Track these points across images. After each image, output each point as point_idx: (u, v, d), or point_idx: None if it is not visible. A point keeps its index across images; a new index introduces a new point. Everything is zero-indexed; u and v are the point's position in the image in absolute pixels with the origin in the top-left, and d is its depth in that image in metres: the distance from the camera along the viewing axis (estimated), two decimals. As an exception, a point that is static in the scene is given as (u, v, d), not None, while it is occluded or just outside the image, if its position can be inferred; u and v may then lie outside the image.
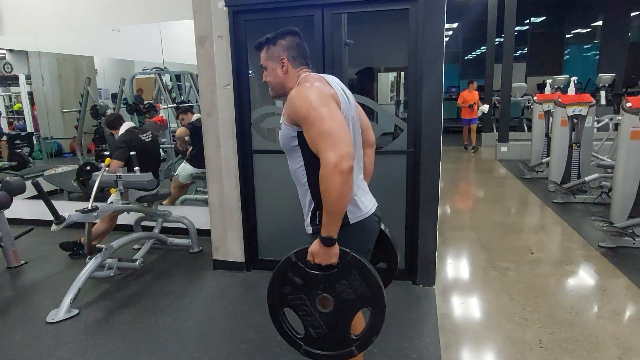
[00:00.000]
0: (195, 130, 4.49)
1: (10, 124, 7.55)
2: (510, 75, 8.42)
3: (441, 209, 5.03)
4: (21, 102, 7.09)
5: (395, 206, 3.20)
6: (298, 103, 1.51)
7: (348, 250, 1.53)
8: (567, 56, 15.48)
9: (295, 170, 1.69)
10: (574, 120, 5.75)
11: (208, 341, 2.60)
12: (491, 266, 3.60)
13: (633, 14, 13.62)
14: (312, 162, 1.60)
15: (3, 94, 7.27)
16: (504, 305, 2.97)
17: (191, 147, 4.71)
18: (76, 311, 2.94)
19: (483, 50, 14.25)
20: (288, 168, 3.40)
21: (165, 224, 4.00)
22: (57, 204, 3.03)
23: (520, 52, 15.16)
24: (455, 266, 3.70)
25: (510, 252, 3.91)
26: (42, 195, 2.92)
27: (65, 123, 5.93)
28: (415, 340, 2.56)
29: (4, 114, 7.15)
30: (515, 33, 8.53)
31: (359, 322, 1.71)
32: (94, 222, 3.18)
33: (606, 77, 10.28)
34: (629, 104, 4.17)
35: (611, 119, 6.75)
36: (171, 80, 5.56)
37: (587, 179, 5.37)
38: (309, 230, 1.70)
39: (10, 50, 6.66)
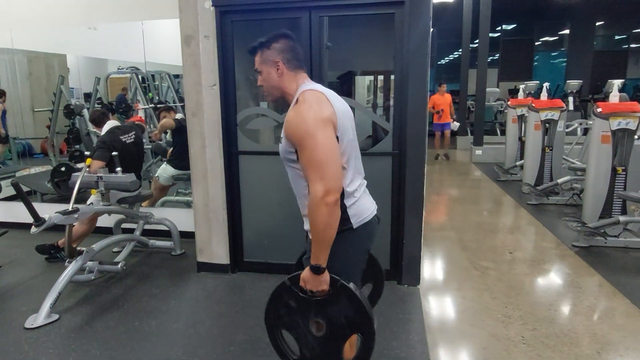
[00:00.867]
0: (179, 128, 4.42)
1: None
2: (484, 81, 8.65)
3: (421, 210, 5.11)
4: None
5: (381, 207, 3.18)
6: (294, 127, 1.52)
7: (337, 278, 1.56)
8: (536, 62, 16.01)
9: (295, 182, 1.70)
10: (547, 124, 5.96)
11: (196, 344, 2.57)
12: (472, 266, 3.69)
13: (598, 23, 14.24)
14: None
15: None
16: (487, 303, 3.05)
17: (172, 148, 4.63)
18: (56, 316, 2.85)
19: (456, 56, 14.62)
20: (274, 169, 3.41)
21: (146, 226, 3.92)
22: (35, 205, 2.93)
23: (492, 58, 15.58)
24: (438, 266, 3.77)
25: (489, 252, 4.01)
26: (21, 196, 2.82)
27: (36, 123, 5.73)
28: (402, 339, 2.60)
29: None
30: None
31: (349, 350, 1.73)
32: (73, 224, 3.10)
33: (574, 83, 10.68)
34: (599, 110, 4.35)
35: (580, 124, 7.03)
36: (147, 81, 5.45)
37: (559, 181, 5.57)
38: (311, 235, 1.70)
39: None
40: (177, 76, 5.60)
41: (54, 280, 2.96)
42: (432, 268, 3.70)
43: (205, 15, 3.14)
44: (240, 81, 3.40)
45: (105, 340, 2.61)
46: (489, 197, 6.34)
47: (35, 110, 5.65)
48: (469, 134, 10.52)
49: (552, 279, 3.47)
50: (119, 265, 3.21)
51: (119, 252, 3.79)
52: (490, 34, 9.75)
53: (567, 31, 14.63)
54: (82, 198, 3.58)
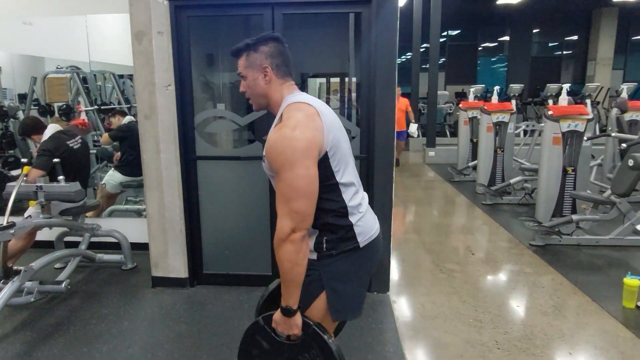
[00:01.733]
0: (124, 135, 4.10)
1: None
2: (436, 83, 8.84)
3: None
4: None
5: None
6: (274, 154, 1.37)
7: (311, 323, 1.44)
8: (479, 67, 16.70)
9: None
10: (498, 126, 6.14)
11: (156, 370, 2.34)
12: (438, 269, 3.68)
13: (534, 31, 15.06)
14: None
15: None
16: (457, 307, 3.03)
17: (119, 153, 4.29)
18: (-11, 347, 2.50)
19: (404, 59, 14.90)
20: (235, 175, 3.21)
21: (92, 239, 3.57)
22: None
23: (439, 62, 16.06)
24: (405, 270, 3.72)
25: (453, 254, 4.03)
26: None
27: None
28: (378, 351, 2.50)
29: None
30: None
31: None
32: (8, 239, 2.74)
33: (516, 87, 11.24)
34: (550, 112, 4.51)
35: (527, 126, 7.33)
36: (87, 82, 5.04)
37: (511, 181, 5.75)
38: (314, 256, 1.54)
39: None
40: (121, 76, 5.23)
41: (-16, 305, 2.60)
42: (399, 273, 3.65)
43: (158, 9, 2.90)
44: (198, 81, 3.18)
45: (49, 372, 2.32)
46: (445, 198, 6.44)
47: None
48: (421, 136, 10.73)
49: (516, 279, 3.52)
50: (63, 285, 2.88)
51: (63, 268, 3.41)
52: (438, 39, 9.97)
53: (507, 38, 15.34)
54: (19, 209, 3.20)
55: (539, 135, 6.56)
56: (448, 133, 11.39)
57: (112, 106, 4.91)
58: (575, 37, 15.21)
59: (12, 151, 4.76)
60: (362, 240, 1.49)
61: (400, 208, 5.93)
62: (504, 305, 3.08)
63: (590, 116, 4.44)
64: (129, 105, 4.90)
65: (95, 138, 4.85)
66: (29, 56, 4.93)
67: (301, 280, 1.40)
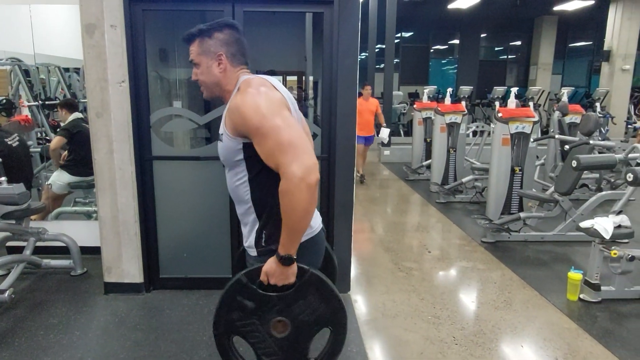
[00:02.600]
0: (74, 135, 3.87)
1: None
2: (391, 84, 9.02)
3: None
4: None
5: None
6: (247, 113, 1.32)
7: (307, 268, 1.40)
8: (431, 69, 17.21)
9: (236, 187, 1.49)
10: (450, 127, 6.35)
11: (111, 382, 2.23)
12: (397, 267, 3.75)
13: (482, 35, 15.72)
14: (258, 178, 1.44)
15: None
16: (416, 305, 3.10)
17: (66, 152, 4.04)
18: None
19: (360, 59, 15.13)
20: (193, 176, 3.13)
21: (38, 243, 3.34)
22: None
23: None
24: (365, 269, 3.77)
25: (410, 252, 4.13)
26: None
27: None
28: (342, 351, 2.51)
29: None
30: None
31: None
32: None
33: (466, 89, 11.65)
34: (500, 114, 4.72)
35: (477, 127, 7.63)
36: (30, 75, 4.72)
37: (463, 180, 5.97)
38: (252, 252, 1.51)
39: None
40: (67, 70, 4.94)
41: None
42: (359, 272, 3.69)
43: (111, 1, 2.75)
44: (154, 78, 3.06)
45: (-9, 389, 2.15)
46: (400, 196, 6.58)
47: None
48: (377, 135, 10.90)
49: (470, 275, 3.65)
50: (6, 294, 2.67)
51: (5, 276, 3.15)
52: (392, 40, 10.15)
53: (457, 41, 15.91)
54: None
55: (488, 135, 6.87)
56: (402, 132, 11.65)
57: (57, 102, 4.62)
58: (519, 43, 16.05)
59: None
60: (304, 234, 1.44)
61: (357, 206, 5.99)
62: (460, 301, 3.19)
63: (536, 118, 4.69)
64: (77, 101, 4.63)
65: (39, 135, 4.55)
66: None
67: (307, 228, 1.35)
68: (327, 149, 3.07)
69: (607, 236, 3.04)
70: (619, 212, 3.23)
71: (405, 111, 12.04)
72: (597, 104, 9.51)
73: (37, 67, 4.77)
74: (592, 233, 3.12)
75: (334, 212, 3.12)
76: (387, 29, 8.78)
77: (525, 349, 2.61)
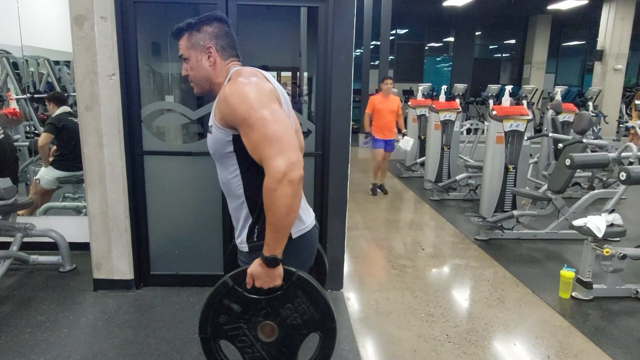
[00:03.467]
0: (59, 129, 3.80)
1: None
2: (386, 81, 8.97)
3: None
4: None
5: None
6: (235, 102, 1.29)
7: (294, 270, 1.36)
8: (425, 66, 17.21)
9: (228, 181, 1.46)
10: (445, 124, 6.35)
11: (100, 380, 2.19)
12: (390, 265, 3.74)
13: (477, 33, 15.74)
14: (251, 171, 1.40)
15: None
16: (409, 303, 3.09)
17: (54, 148, 3.97)
18: None
19: (355, 55, 15.09)
20: (185, 171, 3.09)
21: (26, 239, 3.28)
22: None
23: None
24: (358, 267, 3.75)
25: (404, 249, 4.12)
26: None
27: None
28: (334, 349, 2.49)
29: None
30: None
31: None
32: None
33: (461, 87, 11.66)
34: (494, 112, 4.71)
35: (471, 125, 7.64)
36: (18, 68, 4.63)
37: (457, 177, 5.97)
38: (244, 247, 1.48)
39: None
40: (57, 63, 4.86)
41: None
42: (352, 269, 3.67)
43: (101, -8, 2.69)
44: (145, 72, 3.00)
45: (-24, 388, 2.10)
46: (394, 193, 6.56)
47: None
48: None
49: (463, 273, 3.64)
50: (-9, 291, 2.63)
51: (-10, 272, 3.12)
52: (387, 37, 10.14)
53: (451, 39, 15.92)
54: None
55: (482, 133, 6.88)
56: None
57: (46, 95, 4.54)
58: (513, 41, 16.08)
59: None
60: (296, 230, 1.43)
61: (350, 204, 5.97)
62: (453, 299, 3.18)
63: (530, 117, 4.69)
64: (67, 94, 4.56)
65: (28, 129, 4.48)
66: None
67: (292, 226, 1.31)
68: (322, 145, 3.04)
69: (600, 234, 3.04)
70: (612, 211, 3.24)
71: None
72: (590, 103, 9.56)
73: (27, 60, 4.69)
74: (585, 231, 3.12)
75: (328, 209, 3.09)
76: (382, 26, 8.76)
77: (517, 346, 2.60)
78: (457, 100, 6.68)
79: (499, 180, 4.68)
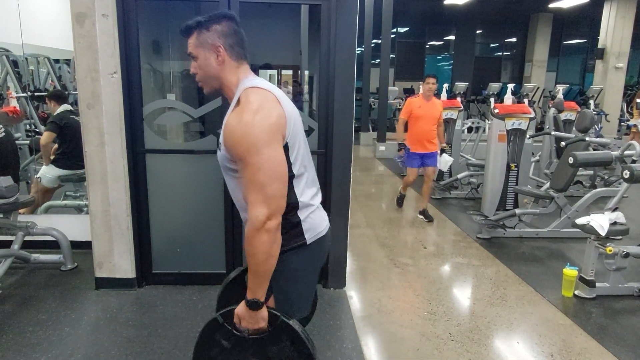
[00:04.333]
0: (61, 128, 3.80)
1: None
2: (387, 79, 8.98)
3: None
4: None
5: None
6: (236, 140, 1.29)
7: (278, 314, 1.39)
8: (426, 64, 17.19)
9: (237, 192, 1.46)
10: (446, 123, 6.33)
11: (102, 379, 2.18)
12: (392, 263, 3.73)
13: (478, 31, 15.71)
14: None
15: None
16: (412, 301, 3.08)
17: (56, 146, 3.96)
18: None
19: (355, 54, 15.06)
20: (187, 169, 3.08)
21: (27, 238, 3.27)
22: None
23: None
24: (360, 265, 3.74)
25: (406, 248, 4.11)
26: None
27: None
28: (337, 348, 2.49)
29: None
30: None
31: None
32: None
33: (462, 85, 11.65)
34: (496, 111, 4.70)
35: (473, 123, 7.62)
36: (18, 66, 4.62)
37: (459, 176, 5.96)
38: None
39: None
40: (57, 61, 4.86)
41: None
42: (355, 268, 3.66)
43: (102, -10, 2.68)
44: (147, 69, 2.99)
45: (-22, 387, 2.10)
46: (395, 192, 6.52)
47: None
48: (371, 130, 10.89)
49: (465, 271, 3.64)
50: (-7, 289, 2.62)
51: (-9, 271, 3.11)
52: (388, 35, 10.10)
53: (452, 37, 15.89)
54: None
55: (484, 132, 6.86)
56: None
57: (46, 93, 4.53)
58: (514, 40, 16.04)
59: None
60: (310, 237, 1.45)
61: (352, 202, 5.95)
62: (456, 297, 3.17)
63: (533, 115, 4.68)
64: (67, 92, 4.55)
65: (28, 127, 4.47)
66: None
67: (272, 272, 1.33)
68: (324, 144, 3.03)
69: (603, 233, 3.03)
70: (615, 209, 3.23)
71: (400, 107, 12.01)
72: (591, 102, 9.55)
73: (27, 58, 4.69)
74: (588, 230, 3.11)
75: (330, 208, 3.08)
76: (384, 24, 8.73)
77: (520, 345, 2.60)
78: (459, 99, 6.67)
79: (500, 179, 4.67)
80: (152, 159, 3.01)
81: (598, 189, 4.23)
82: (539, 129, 9.19)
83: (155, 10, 3.43)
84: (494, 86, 11.06)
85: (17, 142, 3.94)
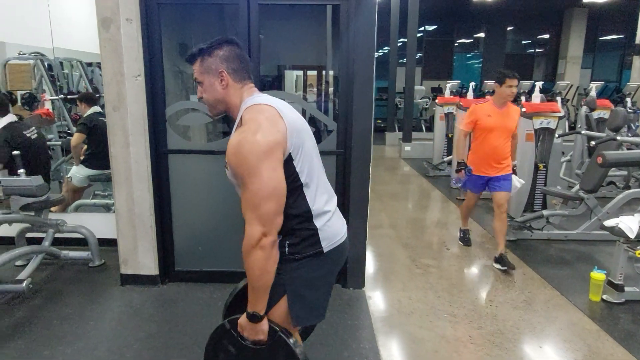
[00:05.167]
0: (90, 129, 3.94)
1: None
2: (413, 79, 8.87)
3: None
4: None
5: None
6: (237, 161, 1.33)
7: (277, 329, 1.43)
8: (455, 63, 16.89)
9: None
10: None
11: (123, 372, 2.25)
12: (414, 264, 3.69)
13: (509, 28, 15.33)
14: None
15: None
16: (432, 303, 3.04)
17: (85, 147, 4.11)
18: (-58, 351, 2.35)
19: (380, 53, 14.93)
20: (208, 169, 3.13)
21: (57, 235, 3.41)
22: None
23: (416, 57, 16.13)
24: (381, 266, 3.71)
25: (428, 249, 4.05)
26: None
27: None
28: (354, 348, 2.48)
29: None
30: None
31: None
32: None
33: (491, 83, 11.38)
34: (524, 109, 4.57)
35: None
36: (52, 70, 4.81)
37: (485, 176, 5.82)
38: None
39: None
40: (90, 64, 5.03)
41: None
42: (375, 268, 3.64)
43: (126, -5, 2.76)
44: (170, 72, 3.07)
45: (9, 376, 2.20)
46: (420, 192, 6.48)
47: None
48: (397, 130, 10.78)
49: (488, 274, 3.56)
50: (24, 284, 2.74)
51: (24, 266, 3.24)
52: (415, 34, 9.98)
53: (482, 34, 15.55)
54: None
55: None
56: (424, 128, 11.48)
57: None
58: (547, 36, 15.56)
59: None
60: (327, 245, 1.47)
61: (376, 202, 5.93)
62: (478, 300, 3.11)
63: (562, 114, 4.53)
64: (98, 95, 4.72)
65: (61, 129, 4.65)
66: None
67: (269, 286, 1.38)
68: (343, 144, 3.03)
69: (632, 235, 2.90)
70: (648, 211, 3.09)
71: (427, 106, 11.87)
72: (628, 99, 9.13)
73: (61, 62, 4.88)
74: (617, 232, 2.99)
75: (349, 208, 3.07)
76: (409, 22, 8.63)
77: (544, 349, 2.52)
78: (487, 97, 6.52)
79: (528, 179, 4.54)
80: (174, 159, 3.08)
81: (630, 190, 4.06)
82: (572, 128, 8.88)
83: (178, 13, 3.51)
84: (525, 84, 10.76)
85: (49, 143, 4.12)
